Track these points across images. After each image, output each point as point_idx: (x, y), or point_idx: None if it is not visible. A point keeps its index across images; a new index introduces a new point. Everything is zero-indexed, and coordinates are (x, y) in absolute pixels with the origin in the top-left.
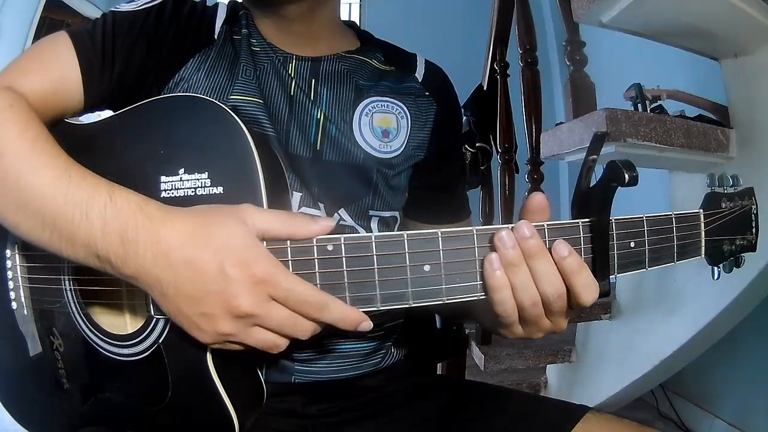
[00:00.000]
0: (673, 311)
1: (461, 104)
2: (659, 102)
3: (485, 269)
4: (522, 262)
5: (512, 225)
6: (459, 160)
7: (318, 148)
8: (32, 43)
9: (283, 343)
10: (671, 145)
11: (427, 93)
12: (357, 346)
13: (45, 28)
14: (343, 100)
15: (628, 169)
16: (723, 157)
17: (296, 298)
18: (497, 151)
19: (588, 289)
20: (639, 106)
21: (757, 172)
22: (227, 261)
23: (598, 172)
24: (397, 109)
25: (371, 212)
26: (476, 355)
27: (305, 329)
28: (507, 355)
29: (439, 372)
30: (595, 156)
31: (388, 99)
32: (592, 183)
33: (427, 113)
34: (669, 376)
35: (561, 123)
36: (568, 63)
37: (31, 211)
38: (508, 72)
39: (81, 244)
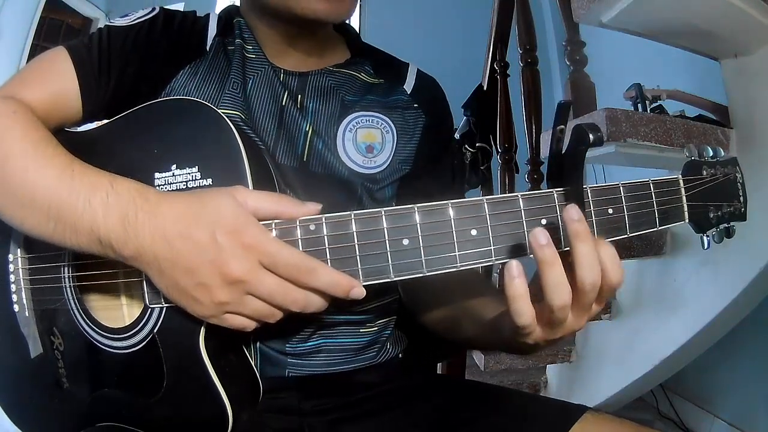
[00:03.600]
0: (673, 311)
1: (461, 104)
2: (659, 102)
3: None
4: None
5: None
6: (449, 170)
7: (305, 160)
8: (32, 43)
9: (277, 313)
10: (671, 145)
11: (415, 105)
12: (351, 340)
13: (45, 28)
14: (328, 116)
15: (593, 130)
16: None
17: (284, 262)
18: (497, 151)
19: (619, 270)
20: (639, 106)
21: (757, 172)
22: (218, 230)
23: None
24: (382, 123)
25: None
26: (476, 355)
27: (296, 298)
28: (507, 355)
29: (439, 372)
30: (563, 126)
31: (373, 114)
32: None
33: (414, 126)
34: (669, 376)
35: None
36: (568, 63)
37: (38, 205)
38: (508, 72)
39: (84, 232)
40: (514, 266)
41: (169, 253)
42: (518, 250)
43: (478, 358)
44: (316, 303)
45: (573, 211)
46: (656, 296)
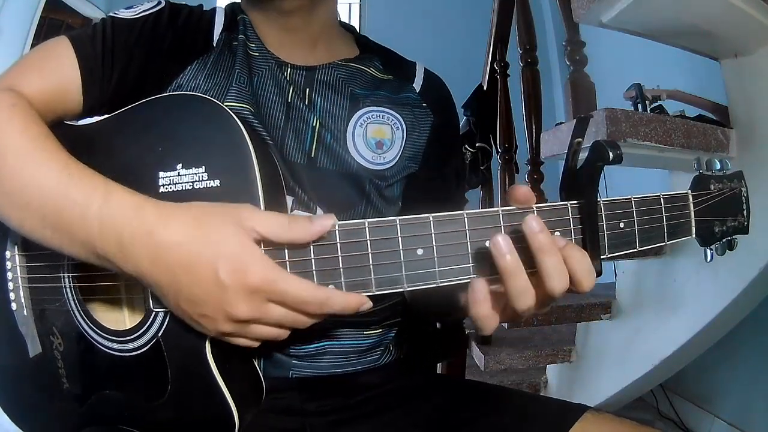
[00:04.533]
0: (673, 311)
1: (462, 104)
2: (659, 102)
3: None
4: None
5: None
6: (455, 172)
7: (312, 156)
8: (32, 43)
9: (284, 334)
10: (671, 145)
11: (424, 104)
12: (355, 342)
13: (45, 28)
14: (338, 110)
15: (612, 147)
16: (723, 157)
17: (294, 300)
18: (497, 151)
19: (590, 275)
20: (639, 106)
21: (757, 172)
22: (222, 268)
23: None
24: (392, 119)
25: None
26: (476, 355)
27: (304, 323)
28: (507, 355)
29: (439, 372)
30: (580, 138)
31: (383, 109)
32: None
33: (423, 124)
34: (669, 376)
35: (561, 123)
36: (568, 63)
37: (33, 209)
38: (508, 72)
39: (80, 243)
40: (480, 285)
41: (170, 282)
42: (532, 262)
43: (478, 358)
44: (323, 321)
45: (534, 223)
46: (656, 296)
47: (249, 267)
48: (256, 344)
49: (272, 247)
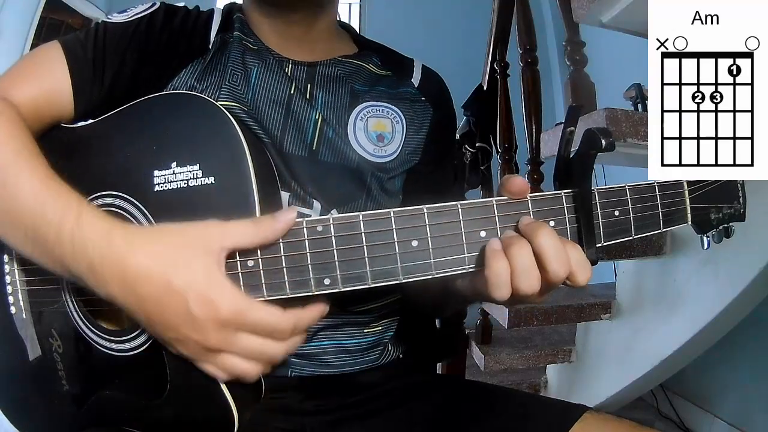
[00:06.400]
0: (673, 311)
1: (462, 104)
2: None
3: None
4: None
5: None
6: (453, 166)
7: (314, 148)
8: (32, 43)
9: (254, 369)
10: None
11: (423, 98)
12: (354, 341)
13: (45, 28)
14: (339, 105)
15: (605, 135)
16: None
17: (265, 328)
18: (497, 151)
19: (584, 268)
20: (639, 106)
21: None
22: (192, 300)
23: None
24: (392, 113)
25: None
26: (476, 355)
27: (275, 351)
28: (507, 355)
29: (439, 372)
30: (573, 128)
31: (383, 104)
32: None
33: (423, 118)
34: (669, 376)
35: (561, 123)
36: (568, 63)
37: (15, 224)
38: (508, 72)
39: (57, 262)
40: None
41: (140, 310)
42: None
43: (478, 358)
44: (299, 342)
45: (526, 218)
46: (656, 296)
47: (219, 300)
48: (225, 377)
49: (245, 250)
